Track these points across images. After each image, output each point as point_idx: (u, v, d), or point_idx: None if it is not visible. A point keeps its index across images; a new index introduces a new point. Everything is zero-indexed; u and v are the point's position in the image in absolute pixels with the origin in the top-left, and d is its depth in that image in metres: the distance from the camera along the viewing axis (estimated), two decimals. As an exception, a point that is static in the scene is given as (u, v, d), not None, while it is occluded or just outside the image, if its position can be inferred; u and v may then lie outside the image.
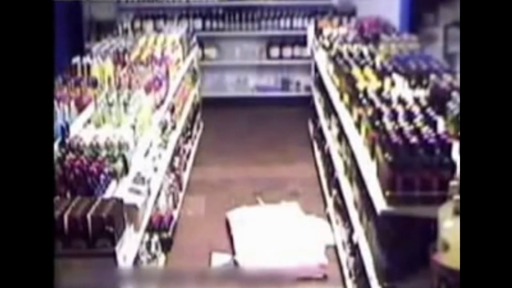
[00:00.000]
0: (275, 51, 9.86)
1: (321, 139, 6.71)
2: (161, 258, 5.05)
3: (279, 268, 5.02)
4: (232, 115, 9.04)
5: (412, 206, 3.18)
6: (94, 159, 3.94)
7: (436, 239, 2.48)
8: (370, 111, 4.02)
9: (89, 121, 4.57)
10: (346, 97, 5.03)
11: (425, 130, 3.37)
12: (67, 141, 4.16)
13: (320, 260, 5.11)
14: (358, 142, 4.21)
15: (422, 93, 4.54)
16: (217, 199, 6.42)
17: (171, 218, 5.57)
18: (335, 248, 5.30)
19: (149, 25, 9.15)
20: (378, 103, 4.08)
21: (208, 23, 9.67)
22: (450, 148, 3.21)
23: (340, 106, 5.18)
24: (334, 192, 5.51)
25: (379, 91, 4.45)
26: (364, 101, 4.24)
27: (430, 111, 3.78)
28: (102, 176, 3.75)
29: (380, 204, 3.28)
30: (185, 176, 6.75)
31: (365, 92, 4.44)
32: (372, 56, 5.82)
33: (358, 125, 4.35)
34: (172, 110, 6.40)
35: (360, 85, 4.67)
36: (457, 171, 3.09)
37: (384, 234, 3.36)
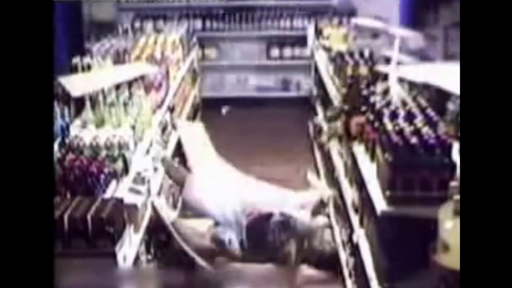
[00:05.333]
0: (275, 51, 9.86)
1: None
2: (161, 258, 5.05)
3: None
4: (232, 115, 9.04)
5: (412, 206, 3.17)
6: (94, 159, 3.95)
7: (436, 239, 2.47)
8: (370, 112, 4.02)
9: (88, 121, 4.57)
10: (346, 97, 5.02)
11: (425, 130, 3.37)
12: (67, 141, 4.16)
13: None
14: (358, 142, 4.20)
15: (422, 93, 4.53)
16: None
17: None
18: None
19: (149, 25, 9.15)
20: (378, 104, 4.08)
21: (208, 23, 9.67)
22: (450, 148, 3.21)
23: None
24: (335, 192, 5.51)
25: (380, 92, 4.45)
26: (364, 101, 4.24)
27: (430, 112, 3.78)
28: (102, 176, 3.75)
29: (380, 204, 3.28)
30: (185, 176, 6.73)
31: (365, 92, 4.43)
32: (372, 56, 5.81)
33: (357, 125, 4.34)
34: (172, 110, 6.40)
35: (360, 85, 4.67)
36: (457, 171, 3.09)
37: (384, 234, 3.36)
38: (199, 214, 5.51)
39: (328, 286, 5.02)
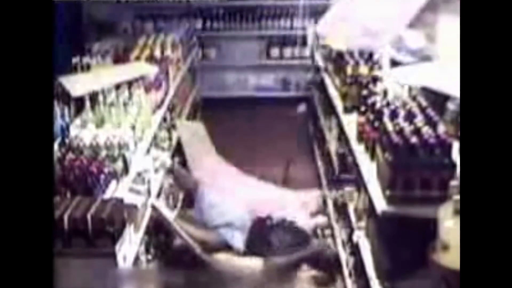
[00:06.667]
0: (275, 51, 9.85)
1: (321, 139, 6.71)
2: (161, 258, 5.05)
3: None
4: (232, 115, 9.04)
5: (412, 206, 3.18)
6: (94, 159, 3.95)
7: (436, 239, 2.48)
8: (370, 112, 4.02)
9: (88, 121, 4.57)
10: (346, 97, 5.03)
11: (425, 130, 3.37)
12: (67, 141, 4.16)
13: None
14: (358, 142, 4.21)
15: (422, 93, 4.53)
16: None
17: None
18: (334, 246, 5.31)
19: (149, 25, 9.14)
20: (378, 103, 4.08)
21: (208, 23, 9.66)
22: (450, 148, 3.21)
23: (340, 106, 5.18)
24: (334, 192, 5.51)
25: (380, 91, 4.45)
26: (365, 101, 4.25)
27: (430, 111, 3.78)
28: (102, 176, 3.75)
29: (380, 204, 3.28)
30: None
31: (365, 92, 4.44)
32: (372, 55, 5.81)
33: (358, 125, 4.35)
34: (172, 110, 6.40)
35: (360, 85, 4.67)
36: (457, 171, 3.09)
37: (384, 234, 3.36)
38: (204, 222, 5.54)
39: (328, 286, 5.02)
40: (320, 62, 7.14)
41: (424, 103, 4.04)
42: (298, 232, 5.39)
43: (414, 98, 4.16)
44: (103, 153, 4.10)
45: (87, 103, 4.61)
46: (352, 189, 4.65)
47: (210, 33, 9.69)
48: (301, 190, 6.39)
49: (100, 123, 4.51)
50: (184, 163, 6.40)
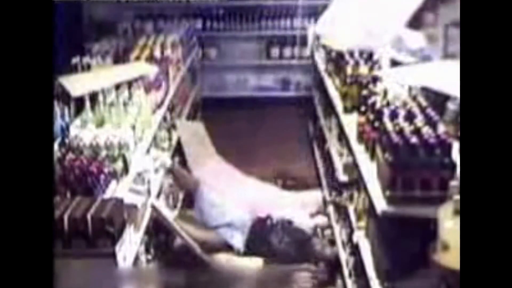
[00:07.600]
0: (275, 51, 9.85)
1: (321, 139, 6.71)
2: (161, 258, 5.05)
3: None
4: (232, 115, 9.04)
5: (412, 206, 3.17)
6: (94, 159, 3.95)
7: (436, 239, 2.47)
8: (370, 112, 4.02)
9: (88, 121, 4.57)
10: (346, 97, 5.03)
11: (425, 130, 3.36)
12: (67, 141, 4.16)
13: None
14: (358, 142, 4.20)
15: (422, 93, 4.53)
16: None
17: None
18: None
19: (149, 25, 9.14)
20: (378, 103, 4.08)
21: (208, 23, 9.67)
22: (450, 148, 3.21)
23: (340, 106, 5.18)
24: (334, 192, 5.51)
25: (380, 91, 4.45)
26: (365, 101, 4.24)
27: (430, 111, 3.77)
28: (102, 176, 3.75)
29: (380, 204, 3.28)
30: (185, 176, 6.73)
31: (365, 92, 4.43)
32: (372, 55, 5.80)
33: (358, 125, 4.34)
34: (172, 110, 6.40)
35: (360, 85, 4.67)
36: (457, 171, 3.09)
37: (384, 234, 3.36)
38: (204, 222, 5.54)
39: (328, 286, 5.02)
40: (320, 62, 7.14)
41: (424, 103, 4.03)
42: (298, 232, 5.39)
43: (414, 98, 4.16)
44: (103, 153, 4.10)
45: (87, 103, 4.61)
46: (351, 192, 4.65)
47: (210, 33, 9.70)
48: (301, 191, 6.39)
49: (100, 123, 4.51)
50: (184, 163, 6.40)
